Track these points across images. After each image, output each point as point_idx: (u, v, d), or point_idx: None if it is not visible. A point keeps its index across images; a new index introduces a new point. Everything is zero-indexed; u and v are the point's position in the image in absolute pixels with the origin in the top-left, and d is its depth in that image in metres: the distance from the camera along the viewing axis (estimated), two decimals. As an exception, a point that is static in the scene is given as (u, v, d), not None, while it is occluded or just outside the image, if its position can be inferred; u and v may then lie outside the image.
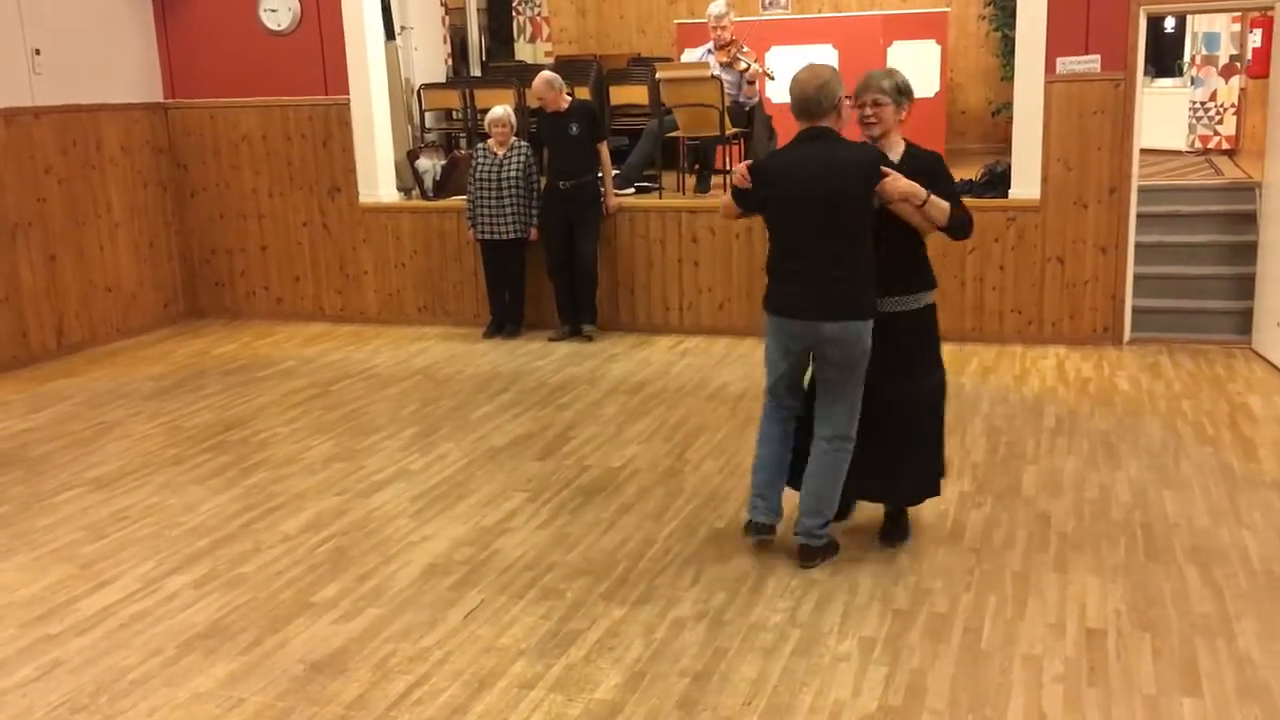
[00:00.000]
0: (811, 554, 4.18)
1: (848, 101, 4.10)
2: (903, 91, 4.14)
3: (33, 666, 3.67)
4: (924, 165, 4.11)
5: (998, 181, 7.54)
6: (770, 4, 12.43)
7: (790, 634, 3.72)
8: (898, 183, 3.98)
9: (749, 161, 4.42)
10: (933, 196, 4.03)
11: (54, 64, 7.76)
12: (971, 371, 6.79)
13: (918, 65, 10.13)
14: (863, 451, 4.15)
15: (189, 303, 8.99)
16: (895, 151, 4.15)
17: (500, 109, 7.74)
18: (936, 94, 10.30)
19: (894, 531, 4.41)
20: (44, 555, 4.54)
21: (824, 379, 4.14)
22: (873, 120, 4.11)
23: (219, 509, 4.98)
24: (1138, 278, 7.29)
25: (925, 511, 4.65)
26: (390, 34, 8.90)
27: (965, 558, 4.25)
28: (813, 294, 4.04)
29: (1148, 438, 5.55)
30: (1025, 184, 7.27)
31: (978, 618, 3.79)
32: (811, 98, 3.99)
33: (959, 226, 4.19)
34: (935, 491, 4.39)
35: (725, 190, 8.33)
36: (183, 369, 7.46)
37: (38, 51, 7.64)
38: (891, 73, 4.21)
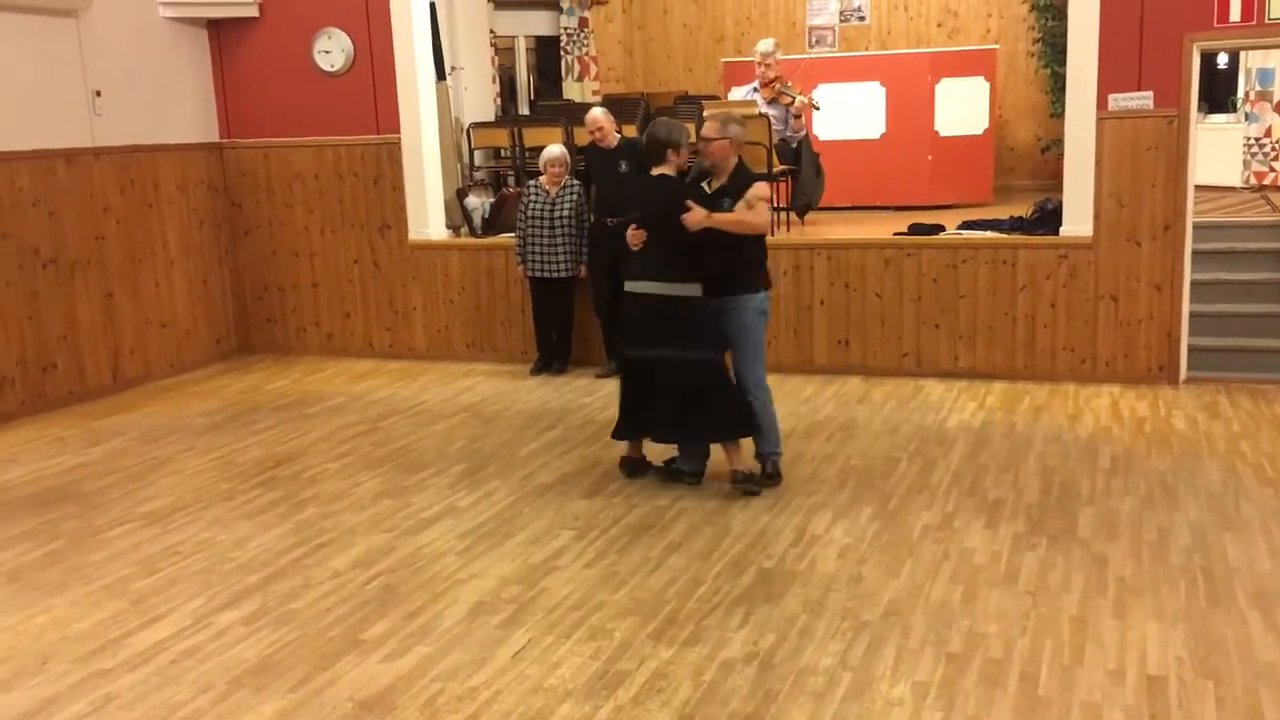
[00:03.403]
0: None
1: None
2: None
3: (86, 702, 3.69)
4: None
5: (1049, 219, 7.48)
6: (817, 42, 12.47)
7: (841, 678, 3.66)
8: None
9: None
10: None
11: (114, 106, 7.94)
12: (1024, 410, 6.70)
13: (966, 102, 10.14)
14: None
15: (241, 339, 9.11)
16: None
17: (557, 148, 7.80)
18: (985, 131, 10.26)
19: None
20: (97, 590, 4.59)
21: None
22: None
23: (269, 545, 5.01)
24: (1193, 315, 7.18)
25: (978, 553, 4.59)
26: (441, 74, 9.03)
27: (1020, 601, 4.17)
28: None
29: (1206, 479, 5.44)
30: (1077, 221, 7.20)
31: (1034, 663, 3.72)
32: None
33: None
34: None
35: (773, 228, 8.33)
36: (235, 404, 7.55)
37: (98, 93, 7.83)
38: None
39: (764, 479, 5.46)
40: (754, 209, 5.23)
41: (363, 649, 3.98)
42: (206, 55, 8.76)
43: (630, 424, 5.61)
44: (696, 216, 5.19)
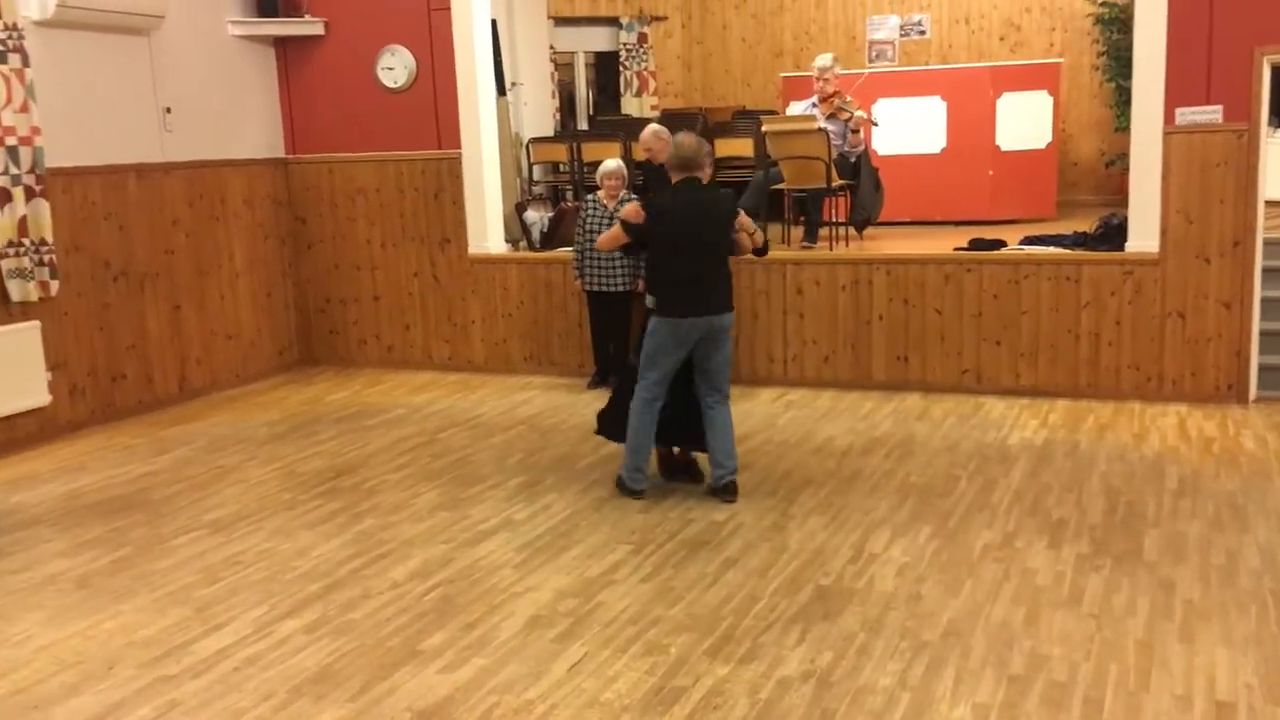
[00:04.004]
0: (733, 487, 5.52)
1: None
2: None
3: (150, 707, 3.76)
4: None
5: (1113, 234, 7.37)
6: (877, 57, 12.42)
7: (900, 698, 3.62)
8: (746, 219, 5.54)
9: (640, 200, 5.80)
10: (757, 231, 5.64)
11: (183, 122, 8.12)
12: (1087, 428, 6.59)
13: (1028, 117, 10.03)
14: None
15: (303, 350, 9.25)
16: None
17: (614, 162, 7.84)
18: (1048, 145, 10.14)
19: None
20: (162, 597, 4.67)
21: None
22: None
23: (329, 554, 5.07)
24: (1263, 334, 7.02)
25: (1041, 574, 4.52)
26: (501, 89, 9.14)
27: (1084, 623, 4.10)
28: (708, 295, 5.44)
29: (1276, 500, 5.31)
30: (1143, 237, 7.08)
31: (1099, 687, 3.65)
32: (690, 156, 5.38)
33: (765, 248, 5.89)
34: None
35: (832, 243, 8.31)
36: (297, 415, 7.66)
37: (168, 110, 8.01)
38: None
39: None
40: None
41: (420, 660, 4.01)
42: (273, 72, 8.93)
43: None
44: (745, 221, 5.56)
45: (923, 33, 12.31)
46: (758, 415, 7.15)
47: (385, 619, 4.37)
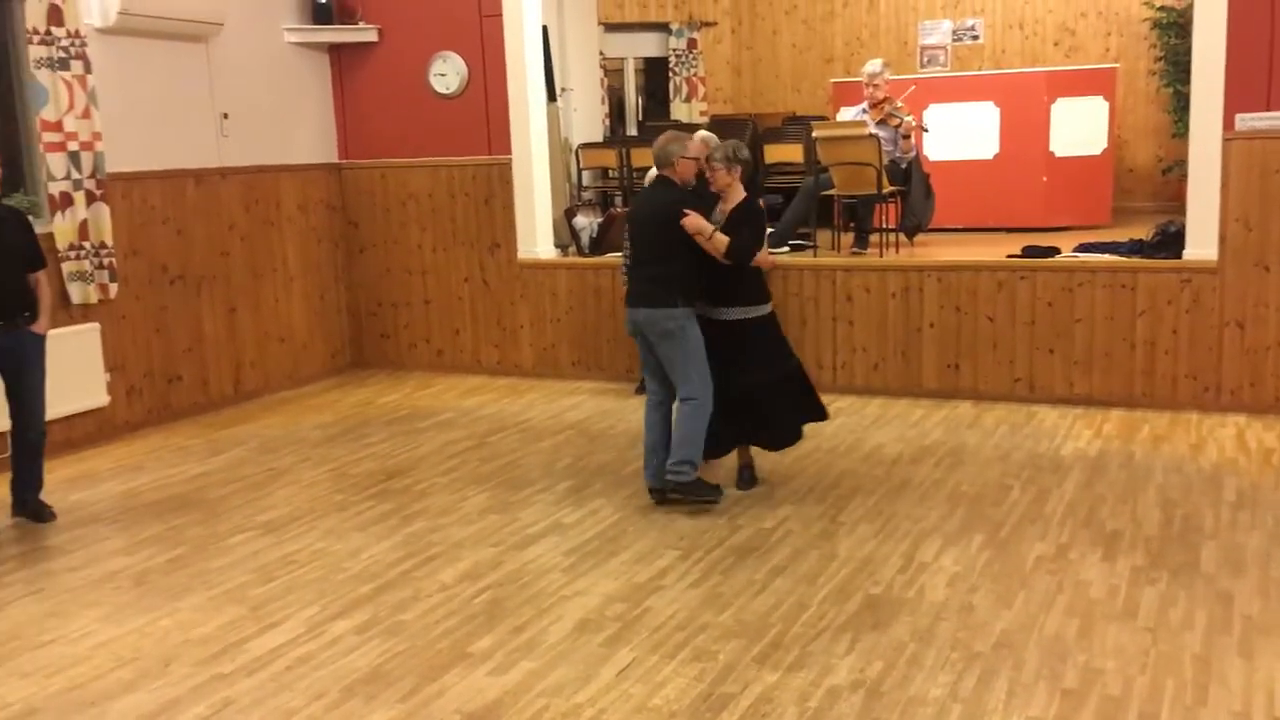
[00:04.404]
0: (677, 487, 5.47)
1: (689, 161, 5.50)
2: (731, 159, 5.46)
3: (205, 705, 3.82)
4: (737, 214, 5.46)
5: (1170, 242, 7.26)
6: (929, 62, 12.33)
7: (951, 709, 3.59)
8: (693, 221, 5.36)
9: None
10: (716, 234, 5.36)
11: (240, 127, 8.24)
12: (1142, 439, 6.49)
13: (1084, 122, 9.91)
14: (738, 415, 5.56)
15: (355, 354, 9.35)
16: (733, 200, 5.50)
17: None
18: (1103, 151, 10.01)
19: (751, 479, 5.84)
20: (218, 595, 4.74)
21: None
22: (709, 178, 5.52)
23: (380, 556, 5.12)
24: (1326, 344, 6.87)
25: (1095, 586, 4.46)
26: (552, 95, 9.18)
27: (1139, 637, 4.04)
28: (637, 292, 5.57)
29: (1340, 515, 5.20)
30: (1201, 245, 6.96)
31: (1154, 702, 3.59)
32: (659, 156, 5.50)
33: (732, 253, 5.38)
34: (800, 436, 5.82)
35: (882, 249, 8.25)
36: (348, 418, 7.74)
37: (225, 116, 8.13)
38: (727, 144, 5.52)
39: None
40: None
41: (470, 662, 4.04)
42: (327, 79, 9.04)
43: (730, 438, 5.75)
44: (690, 223, 5.43)
45: (976, 38, 12.21)
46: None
47: (435, 621, 4.40)
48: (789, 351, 5.77)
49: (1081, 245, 7.94)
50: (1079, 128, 9.90)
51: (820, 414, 5.85)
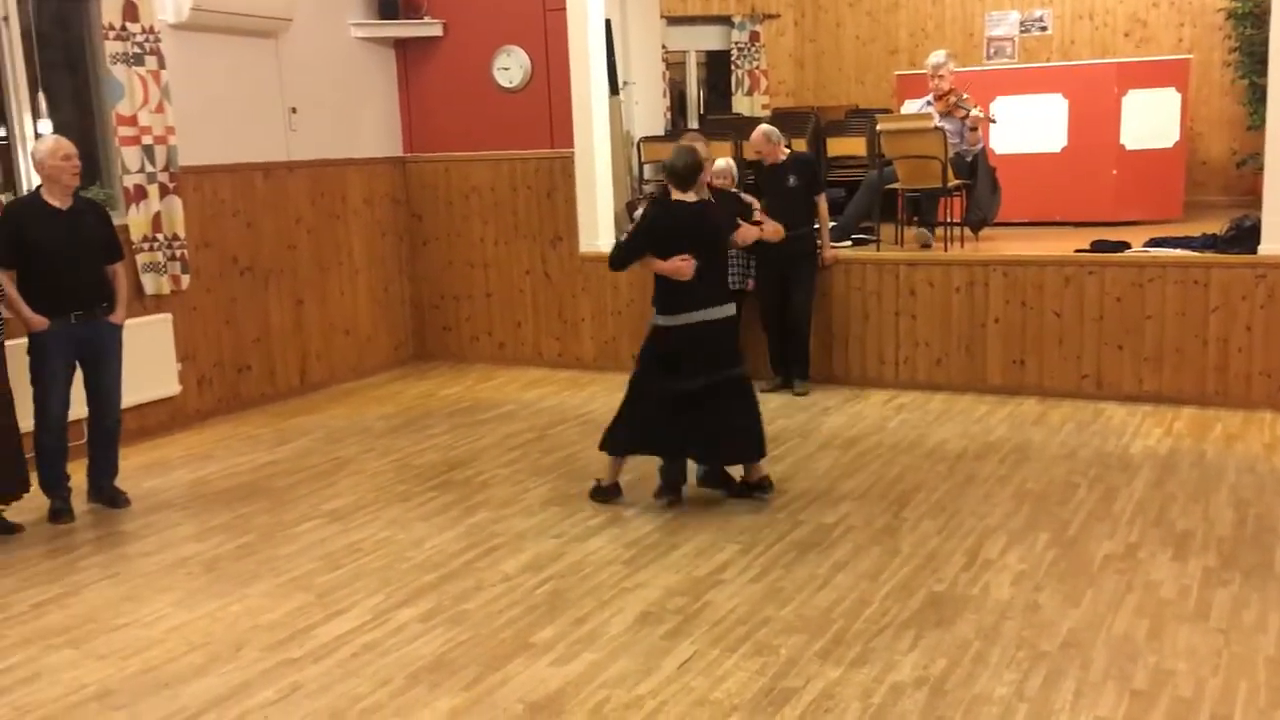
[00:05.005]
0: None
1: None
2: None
3: (274, 689, 3.89)
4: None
5: (1245, 236, 7.08)
6: (995, 54, 12.16)
7: (1017, 709, 3.55)
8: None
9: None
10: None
11: (308, 121, 8.36)
12: (1215, 438, 6.36)
13: (1155, 114, 9.71)
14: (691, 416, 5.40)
15: (418, 346, 9.44)
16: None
17: (723, 161, 7.81)
18: (1175, 144, 9.80)
19: (717, 481, 5.68)
20: (286, 582, 4.82)
21: None
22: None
23: (443, 546, 5.17)
24: None
25: (1165, 586, 4.38)
26: (614, 89, 9.19)
27: (1211, 638, 3.96)
28: None
29: None
30: (1277, 239, 6.80)
31: (1226, 705, 3.52)
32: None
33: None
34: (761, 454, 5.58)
35: (947, 243, 8.15)
36: (411, 409, 7.83)
37: (294, 110, 8.26)
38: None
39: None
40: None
41: (532, 652, 4.07)
42: (393, 73, 9.14)
43: (663, 442, 5.55)
44: (753, 232, 5.71)
45: (1044, 29, 12.01)
46: (869, 418, 7.07)
47: (497, 610, 4.44)
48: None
49: (1152, 240, 7.79)
50: (1150, 120, 9.70)
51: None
